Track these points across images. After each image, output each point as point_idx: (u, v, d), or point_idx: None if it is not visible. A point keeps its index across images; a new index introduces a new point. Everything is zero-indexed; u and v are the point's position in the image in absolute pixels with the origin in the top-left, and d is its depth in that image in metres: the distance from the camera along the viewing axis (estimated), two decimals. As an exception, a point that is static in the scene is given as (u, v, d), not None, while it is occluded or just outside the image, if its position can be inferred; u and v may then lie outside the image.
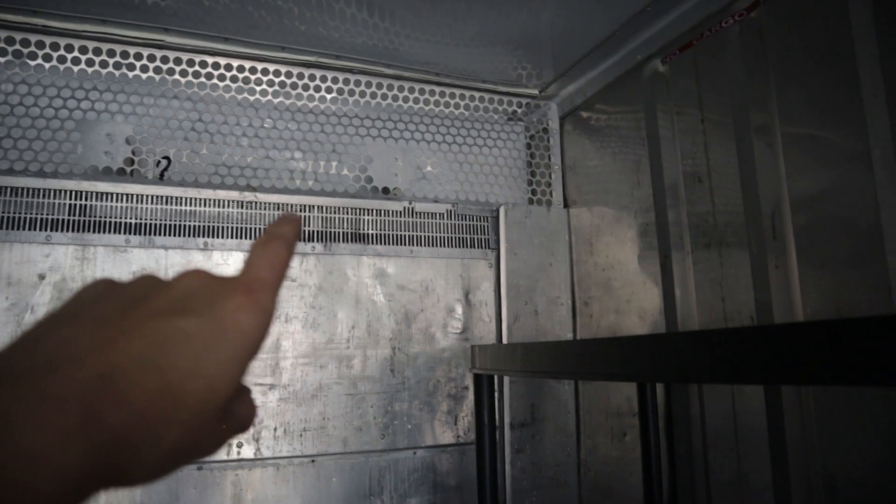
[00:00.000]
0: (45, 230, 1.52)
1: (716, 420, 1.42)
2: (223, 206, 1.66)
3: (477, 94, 1.95)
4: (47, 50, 1.57)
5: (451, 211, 1.86)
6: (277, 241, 0.38)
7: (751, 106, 1.33)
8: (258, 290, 0.34)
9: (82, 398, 0.25)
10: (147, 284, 0.34)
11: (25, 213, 1.52)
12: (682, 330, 1.53)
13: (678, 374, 0.96)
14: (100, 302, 0.32)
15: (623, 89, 1.75)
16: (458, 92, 1.92)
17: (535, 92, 2.00)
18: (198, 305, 0.31)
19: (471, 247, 1.87)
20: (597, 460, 1.80)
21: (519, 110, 2.01)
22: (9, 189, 1.51)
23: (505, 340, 1.81)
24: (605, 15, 1.58)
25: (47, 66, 1.59)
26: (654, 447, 1.51)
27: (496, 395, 1.63)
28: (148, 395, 0.27)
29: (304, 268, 1.69)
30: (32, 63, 1.58)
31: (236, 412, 0.34)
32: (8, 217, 1.50)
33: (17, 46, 1.55)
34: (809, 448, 1.18)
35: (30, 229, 1.51)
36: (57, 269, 1.52)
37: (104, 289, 0.34)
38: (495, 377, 1.62)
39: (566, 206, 1.97)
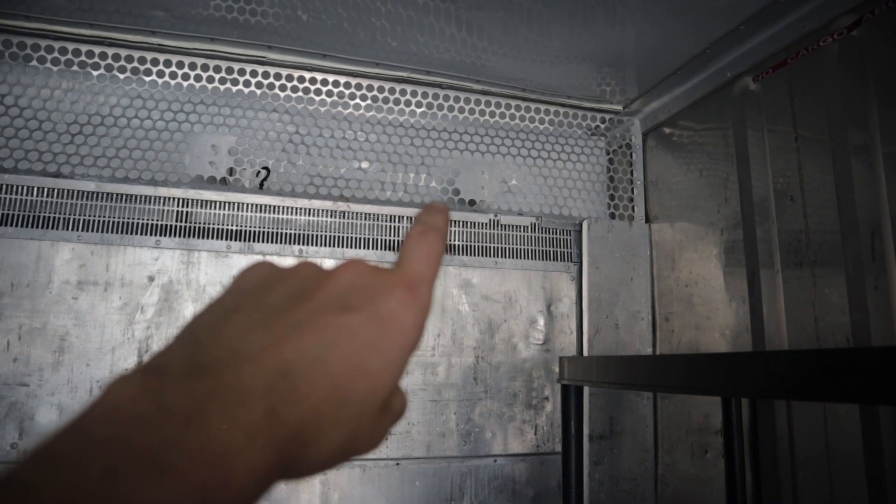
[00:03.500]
0: (155, 235, 1.62)
1: (805, 440, 1.40)
2: (317, 215, 1.74)
3: (561, 110, 1.98)
4: (161, 66, 1.68)
5: (534, 224, 1.90)
6: (432, 233, 0.36)
7: (849, 125, 1.32)
8: (418, 286, 0.33)
9: (263, 395, 0.26)
10: (309, 274, 0.34)
11: (137, 219, 1.62)
12: (768, 347, 1.52)
13: (774, 390, 0.97)
14: (266, 290, 0.32)
15: (710, 107, 1.75)
16: (542, 107, 1.96)
17: (619, 108, 2.01)
18: (362, 301, 0.31)
19: (553, 259, 1.90)
20: (675, 476, 1.79)
21: (602, 126, 2.03)
22: (123, 196, 1.62)
23: (585, 352, 1.82)
24: (694, 33, 1.59)
25: (160, 81, 1.69)
26: (739, 466, 1.50)
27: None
28: (319, 394, 0.27)
29: (393, 276, 1.75)
30: (147, 79, 1.69)
31: (392, 405, 0.34)
32: (122, 222, 1.61)
33: (136, 64, 1.66)
34: (911, 473, 1.16)
35: (141, 234, 1.61)
36: (164, 271, 1.61)
37: (267, 275, 0.34)
38: (582, 388, 1.64)
39: (648, 221, 1.98)
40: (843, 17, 1.33)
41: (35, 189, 1.56)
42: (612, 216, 1.98)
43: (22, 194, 1.55)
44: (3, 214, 1.54)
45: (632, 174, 2.01)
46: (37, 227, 1.55)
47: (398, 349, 0.31)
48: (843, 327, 1.32)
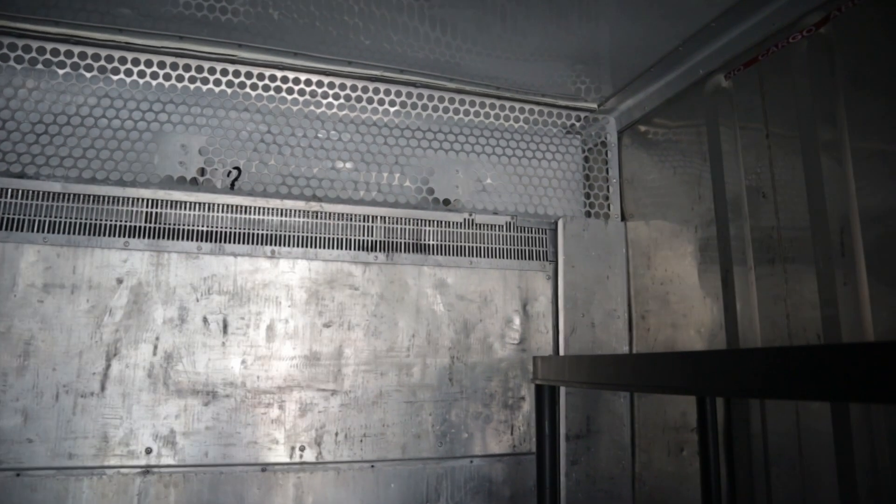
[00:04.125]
0: (124, 236, 1.59)
1: (778, 437, 1.40)
2: (290, 216, 1.71)
3: (536, 108, 1.97)
4: (129, 65, 1.65)
5: (510, 223, 1.89)
6: None
7: (819, 121, 1.32)
8: None
9: None
10: None
11: (105, 220, 1.59)
12: (742, 344, 1.52)
13: (746, 390, 0.97)
14: None
15: (684, 104, 1.75)
16: (517, 105, 1.95)
17: (594, 106, 2.01)
18: None
19: (529, 259, 1.89)
20: (652, 475, 1.79)
21: (577, 124, 2.03)
22: (91, 197, 1.59)
23: (562, 352, 1.82)
24: (667, 30, 1.59)
25: (128, 80, 1.67)
26: (714, 463, 1.50)
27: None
28: None
29: (366, 277, 1.74)
30: (115, 77, 1.66)
31: None
32: (89, 223, 1.58)
33: (102, 62, 1.63)
34: (881, 468, 1.16)
35: (109, 235, 1.58)
36: (133, 273, 1.58)
37: None
38: (556, 388, 1.63)
39: (623, 219, 1.98)
40: (811, 15, 1.34)
41: (-1, 190, 1.53)
42: (588, 214, 1.98)
43: (-15, 196, 1.52)
44: (-34, 216, 1.50)
45: (607, 172, 2.01)
46: (0, 228, 1.51)
47: None
48: (813, 323, 1.32)
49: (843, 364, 0.72)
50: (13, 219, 1.53)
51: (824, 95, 1.31)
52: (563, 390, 1.77)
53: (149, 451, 1.52)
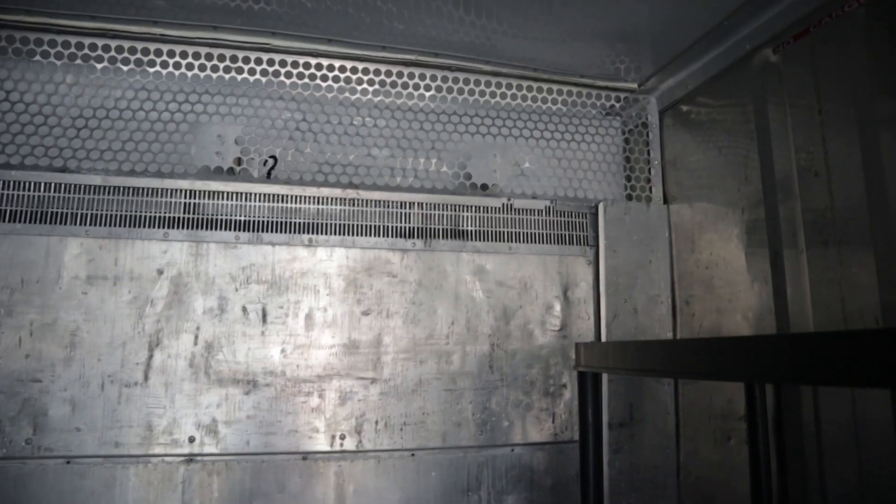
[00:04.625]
0: (163, 227, 1.60)
1: (833, 426, 1.35)
2: (326, 204, 1.71)
3: (574, 90, 1.92)
4: (164, 57, 1.66)
5: (549, 207, 1.85)
6: None
7: (877, 95, 1.25)
8: None
9: None
10: None
11: (145, 212, 1.60)
12: (793, 329, 1.47)
13: (800, 376, 0.93)
14: None
15: (729, 81, 1.69)
16: (555, 87, 1.91)
17: (634, 86, 1.95)
18: None
19: (569, 244, 1.85)
20: (697, 464, 1.75)
21: (617, 105, 1.97)
22: (130, 189, 1.60)
23: (604, 338, 1.78)
24: (711, 4, 1.52)
25: (164, 72, 1.67)
26: (763, 452, 1.45)
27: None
28: None
29: (404, 264, 1.72)
30: (151, 70, 1.67)
31: None
32: (130, 216, 1.59)
33: (139, 55, 1.64)
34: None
35: (149, 227, 1.60)
36: (174, 264, 1.60)
37: None
38: (600, 375, 1.59)
39: (666, 202, 1.92)
40: (868, -19, 1.27)
41: (42, 185, 1.55)
42: (629, 198, 1.93)
43: (29, 190, 1.54)
44: (11, 211, 1.53)
45: (648, 154, 1.95)
46: (45, 222, 1.54)
47: None
48: (871, 307, 1.26)
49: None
50: (56, 212, 1.55)
51: (883, 67, 1.24)
52: (605, 377, 1.73)
53: (192, 439, 1.54)
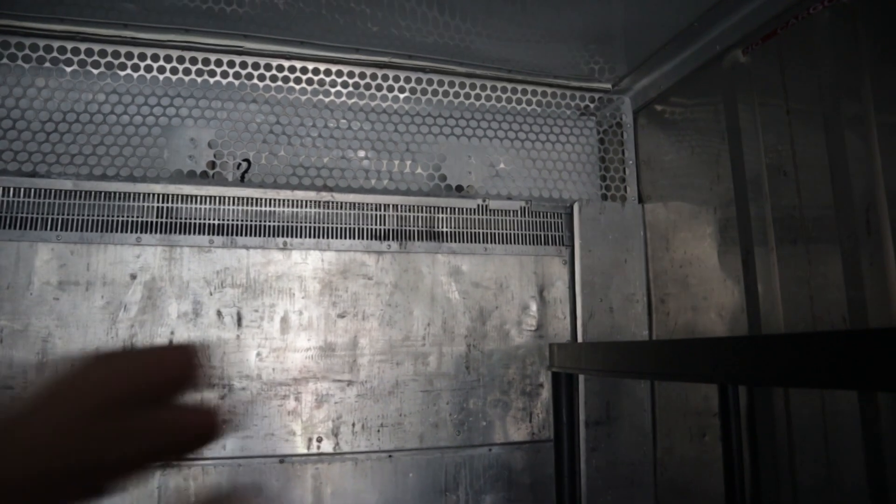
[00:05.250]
0: (136, 232, 1.59)
1: (803, 421, 1.37)
2: (301, 207, 1.70)
3: (549, 90, 1.93)
4: (135, 60, 1.65)
5: (524, 208, 1.86)
6: None
7: (842, 95, 1.27)
8: None
9: None
10: None
11: (117, 216, 1.59)
12: (764, 328, 1.49)
13: (770, 378, 0.94)
14: None
15: (700, 81, 1.70)
16: (529, 88, 1.91)
17: (608, 86, 1.97)
18: None
19: (545, 244, 1.86)
20: (674, 460, 1.76)
21: (591, 105, 1.99)
22: (102, 193, 1.59)
23: (580, 338, 1.79)
24: (682, 5, 1.54)
25: (135, 75, 1.66)
26: (737, 448, 1.47)
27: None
28: None
29: (380, 266, 1.72)
30: (122, 73, 1.65)
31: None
32: (102, 220, 1.58)
33: (109, 58, 1.63)
34: (909, 453, 1.12)
35: (121, 231, 1.59)
36: (147, 269, 1.59)
37: None
38: (574, 375, 1.60)
39: (641, 201, 1.94)
40: (831, -17, 1.28)
41: (11, 190, 1.53)
42: (604, 197, 1.94)
43: (-2, 195, 1.53)
44: (-20, 216, 1.51)
45: (623, 154, 1.97)
46: (15, 227, 1.52)
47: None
48: (838, 305, 1.28)
49: (872, 350, 0.70)
50: (27, 217, 1.53)
51: (848, 68, 1.26)
52: (581, 376, 1.74)
53: (167, 445, 1.53)
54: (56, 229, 1.54)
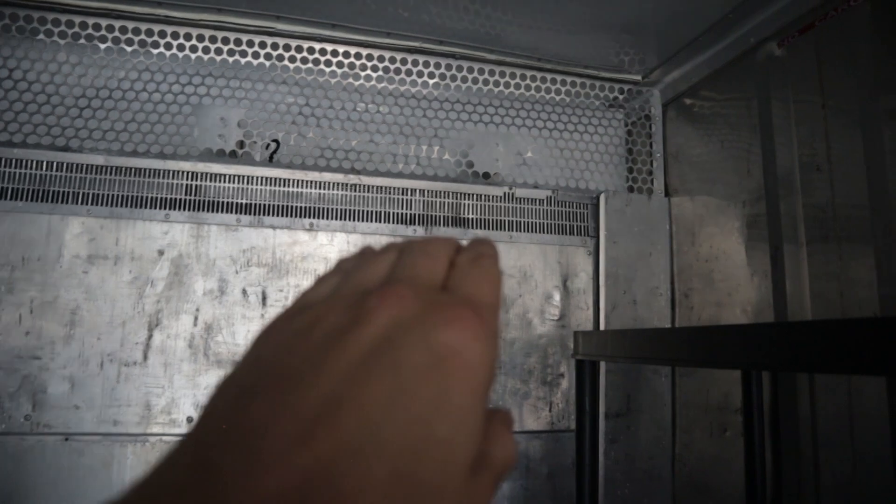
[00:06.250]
0: (164, 208, 1.61)
1: (828, 420, 1.36)
2: (328, 189, 1.71)
3: (578, 80, 1.92)
4: (168, 38, 1.66)
5: (550, 197, 1.85)
6: (486, 259, 0.31)
7: (881, 91, 1.25)
8: (482, 313, 0.26)
9: None
10: (337, 308, 0.27)
11: (147, 193, 1.61)
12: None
13: (796, 363, 0.93)
14: (285, 348, 0.26)
15: (733, 75, 1.69)
16: (559, 77, 1.90)
17: (638, 78, 1.95)
18: (414, 341, 0.24)
19: (570, 234, 1.85)
20: (693, 455, 1.75)
21: (620, 97, 1.97)
22: (132, 169, 1.60)
23: (602, 328, 1.78)
24: (716, -4, 1.52)
25: (168, 54, 1.67)
26: (759, 443, 1.46)
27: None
28: (375, 493, 0.21)
29: (405, 250, 1.72)
30: (155, 52, 1.67)
31: (490, 456, 0.26)
32: (131, 196, 1.59)
33: (143, 36, 1.64)
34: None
35: (150, 207, 1.60)
36: (174, 245, 1.60)
37: (291, 322, 0.28)
38: (597, 364, 1.60)
39: (667, 194, 1.93)
40: (874, -25, 1.27)
41: (44, 163, 1.55)
42: (631, 189, 1.93)
43: (31, 168, 1.54)
44: (13, 189, 1.53)
45: (651, 146, 1.95)
46: (46, 201, 1.54)
47: (472, 396, 0.24)
48: (870, 302, 1.26)
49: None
50: (58, 191, 1.55)
51: (887, 62, 1.24)
52: (603, 367, 1.74)
53: (189, 419, 1.54)
54: (86, 203, 1.56)
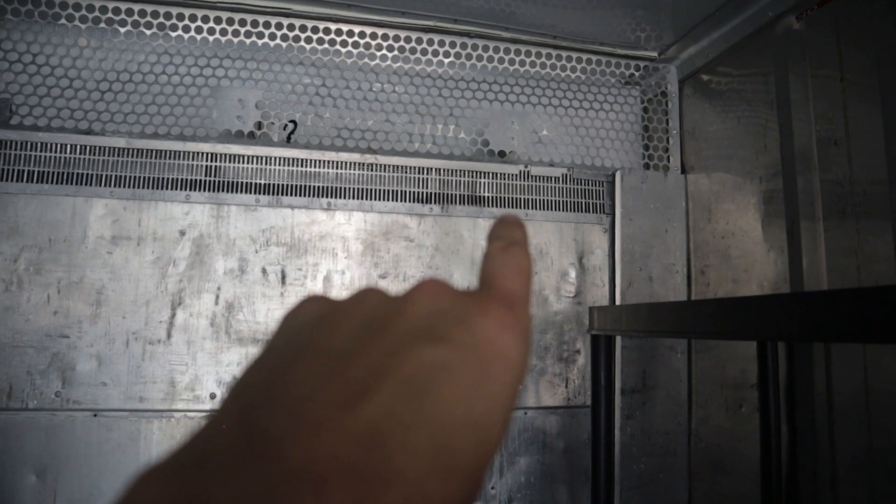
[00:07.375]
0: (185, 189, 1.63)
1: (844, 395, 1.36)
2: (345, 168, 1.73)
3: (594, 58, 1.91)
4: (186, 21, 1.68)
5: (566, 175, 1.86)
6: (516, 248, 0.32)
7: (900, 63, 1.24)
8: (516, 305, 0.28)
9: (342, 481, 0.20)
10: (375, 302, 0.28)
11: (168, 174, 1.63)
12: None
13: (812, 332, 0.94)
14: (326, 330, 0.26)
15: (750, 50, 1.67)
16: (574, 55, 1.90)
17: (654, 54, 1.94)
18: (452, 330, 0.25)
19: (585, 211, 1.86)
20: (709, 431, 1.77)
21: (636, 74, 1.96)
22: (153, 151, 1.63)
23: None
24: (734, -30, 1.51)
25: (186, 36, 1.69)
26: (774, 417, 1.47)
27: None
28: (420, 462, 0.21)
29: (421, 228, 1.74)
30: (173, 34, 1.69)
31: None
32: (153, 178, 1.62)
33: (161, 20, 1.66)
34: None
35: (171, 189, 1.63)
36: (195, 226, 1.63)
37: (323, 311, 0.28)
38: (613, 339, 1.61)
39: (683, 171, 1.92)
40: (894, -55, 1.25)
41: (68, 146, 1.58)
42: (647, 167, 1.93)
43: (55, 152, 1.58)
44: (38, 172, 1.56)
45: (667, 123, 1.95)
46: (71, 183, 1.57)
47: (504, 385, 0.25)
48: (887, 276, 1.26)
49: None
50: (82, 174, 1.58)
51: (906, 34, 1.23)
52: (619, 343, 1.75)
53: (213, 396, 1.58)
54: (109, 185, 1.59)
